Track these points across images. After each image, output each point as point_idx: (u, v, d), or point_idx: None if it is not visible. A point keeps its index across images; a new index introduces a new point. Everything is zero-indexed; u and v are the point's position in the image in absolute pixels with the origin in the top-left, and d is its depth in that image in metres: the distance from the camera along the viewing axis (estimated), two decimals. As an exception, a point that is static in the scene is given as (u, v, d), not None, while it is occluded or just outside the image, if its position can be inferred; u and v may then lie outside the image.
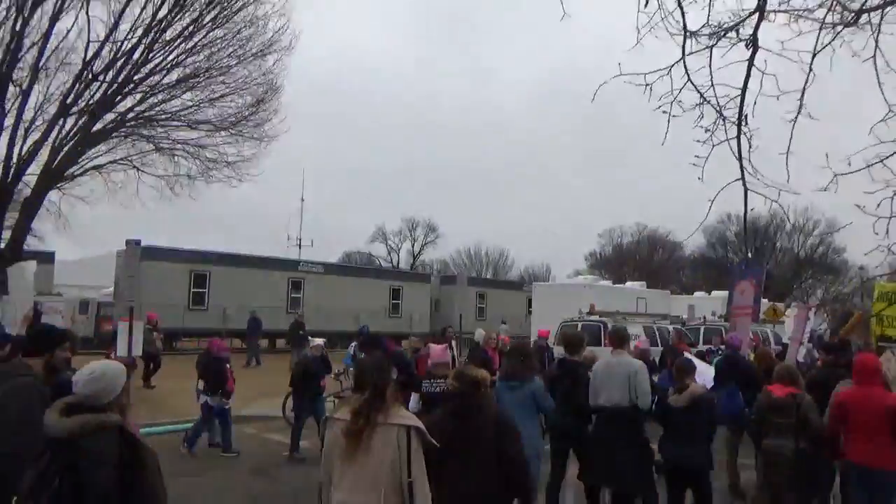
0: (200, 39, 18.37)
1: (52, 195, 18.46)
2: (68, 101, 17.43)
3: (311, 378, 9.40)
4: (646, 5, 3.07)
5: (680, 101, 3.17)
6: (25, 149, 17.20)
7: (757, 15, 3.02)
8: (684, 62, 3.12)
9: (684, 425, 5.58)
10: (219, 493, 7.49)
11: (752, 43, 2.96)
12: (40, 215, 18.53)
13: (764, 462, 5.60)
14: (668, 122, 3.21)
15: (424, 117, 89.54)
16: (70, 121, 17.74)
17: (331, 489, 3.12)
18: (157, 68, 18.37)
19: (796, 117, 2.96)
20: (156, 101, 19.00)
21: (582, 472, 6.33)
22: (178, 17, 17.72)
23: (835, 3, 2.84)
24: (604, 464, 5.76)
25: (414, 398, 6.79)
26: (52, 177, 17.44)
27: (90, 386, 2.85)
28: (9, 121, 16.87)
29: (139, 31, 17.46)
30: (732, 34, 3.10)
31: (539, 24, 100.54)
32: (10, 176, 16.94)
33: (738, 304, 12.50)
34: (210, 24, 18.17)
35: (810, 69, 2.90)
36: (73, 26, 17.20)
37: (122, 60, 17.73)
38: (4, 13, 16.23)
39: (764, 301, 19.27)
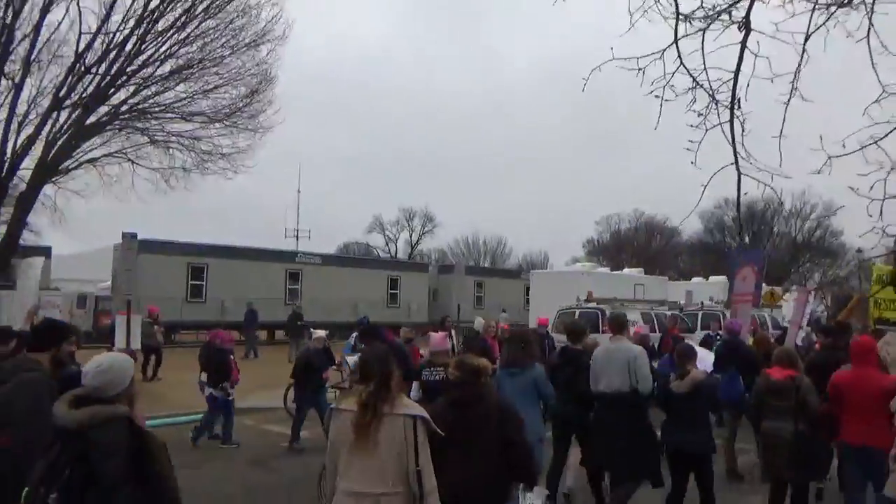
0: (193, 30, 18.28)
1: (47, 189, 18.44)
2: (61, 94, 17.35)
3: (314, 371, 9.35)
4: (638, -12, 3.04)
5: (672, 86, 3.15)
6: (19, 143, 17.15)
7: (750, -4, 2.99)
8: (677, 46, 3.09)
9: (686, 411, 5.60)
10: (217, 483, 7.51)
11: (745, 25, 2.94)
12: (36, 209, 18.53)
13: (763, 444, 5.63)
14: (661, 106, 3.20)
15: (421, 106, 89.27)
16: (63, 114, 17.68)
17: (337, 478, 3.14)
18: (150, 60, 18.28)
19: (789, 100, 2.94)
20: (149, 93, 18.95)
21: (584, 458, 6.36)
22: (170, 7, 17.62)
23: (828, -17, 2.82)
24: (606, 449, 5.80)
25: (414, 386, 6.81)
26: (47, 171, 17.40)
27: (99, 378, 2.88)
28: (2, 115, 16.84)
29: (131, 23, 17.37)
30: (725, 16, 3.07)
31: (537, 10, 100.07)
32: (5, 170, 16.90)
33: (739, 292, 12.52)
34: (202, 14, 18.06)
35: (804, 50, 2.88)
36: (64, 18, 17.14)
37: (115, 52, 17.64)
38: (-6, 6, 16.13)
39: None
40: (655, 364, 9.03)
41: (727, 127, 3.16)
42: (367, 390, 3.11)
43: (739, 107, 3.10)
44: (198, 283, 24.50)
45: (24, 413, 3.36)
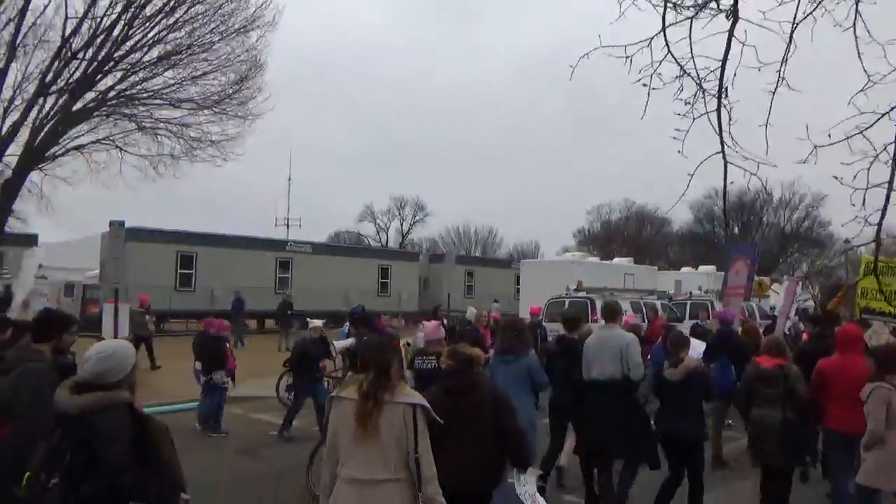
0: (181, 15, 18.03)
1: (34, 176, 18.23)
2: (47, 79, 17.11)
3: (310, 360, 9.26)
4: (626, -25, 3.02)
5: (660, 74, 3.13)
6: (5, 129, 16.92)
7: (738, -16, 2.98)
8: (665, 34, 3.08)
9: (680, 399, 5.68)
10: (205, 472, 7.49)
11: (733, 14, 2.93)
12: (22, 196, 18.30)
13: (752, 431, 5.71)
14: (649, 95, 3.19)
15: (412, 95, 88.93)
16: (50, 100, 17.45)
17: (338, 466, 3.18)
18: (138, 45, 18.04)
19: (776, 89, 2.93)
20: (137, 79, 18.72)
21: (578, 446, 6.43)
22: (158, -9, 17.36)
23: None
24: (600, 433, 5.86)
25: (408, 375, 6.83)
26: (33, 157, 17.19)
27: (101, 364, 2.92)
28: (-13, 100, 16.56)
29: (119, 7, 17.11)
30: (713, 5, 3.05)
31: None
32: (-10, 157, 16.69)
33: (732, 285, 12.64)
34: (191, -1, 17.82)
35: (790, 39, 2.88)
36: (50, 2, 16.87)
37: (102, 37, 17.39)
38: (-23, -11, 15.87)
39: (751, 276, 19.41)
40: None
41: (714, 116, 3.16)
42: (368, 379, 3.14)
43: (726, 95, 3.10)
44: (187, 271, 24.38)
45: (27, 403, 3.39)
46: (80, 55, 17.33)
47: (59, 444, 2.80)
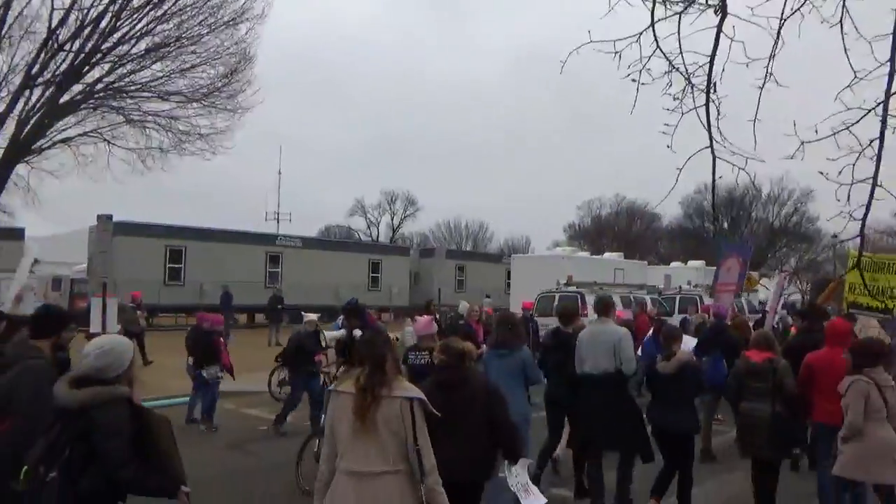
0: (170, 7, 17.93)
1: (20, 169, 18.10)
2: (33, 71, 16.95)
3: (305, 354, 9.16)
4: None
5: (649, 69, 3.14)
6: (-10, 121, 16.74)
7: (727, -20, 2.98)
8: (653, 29, 3.08)
9: (672, 392, 5.73)
10: (195, 467, 7.38)
11: (721, 9, 2.93)
12: (8, 190, 18.17)
13: (740, 424, 5.78)
14: (638, 90, 3.19)
15: (404, 90, 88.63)
16: (36, 92, 17.31)
17: (337, 459, 3.21)
18: (126, 37, 17.91)
19: (763, 84, 2.95)
20: (125, 71, 18.60)
21: (570, 439, 6.45)
22: (146, -17, 17.22)
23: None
24: (594, 428, 5.91)
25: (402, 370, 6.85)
26: (20, 150, 17.04)
27: (101, 359, 2.96)
28: (-29, 92, 16.37)
29: (106, -1, 16.95)
30: (702, 0, 3.06)
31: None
32: (-25, 149, 16.51)
33: (723, 281, 12.75)
34: (179, -10, 17.68)
35: (778, 35, 2.89)
36: (35, -7, 16.64)
37: (89, 29, 17.24)
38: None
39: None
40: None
41: (703, 111, 3.16)
42: (364, 373, 3.17)
43: (715, 91, 3.11)
44: (176, 266, 24.25)
45: (27, 400, 3.40)
46: (67, 47, 17.18)
47: (58, 438, 2.83)
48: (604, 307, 6.29)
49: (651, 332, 10.36)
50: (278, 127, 66.22)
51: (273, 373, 11.12)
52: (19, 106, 17.01)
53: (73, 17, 17.05)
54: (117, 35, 17.68)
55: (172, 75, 19.00)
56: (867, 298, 9.59)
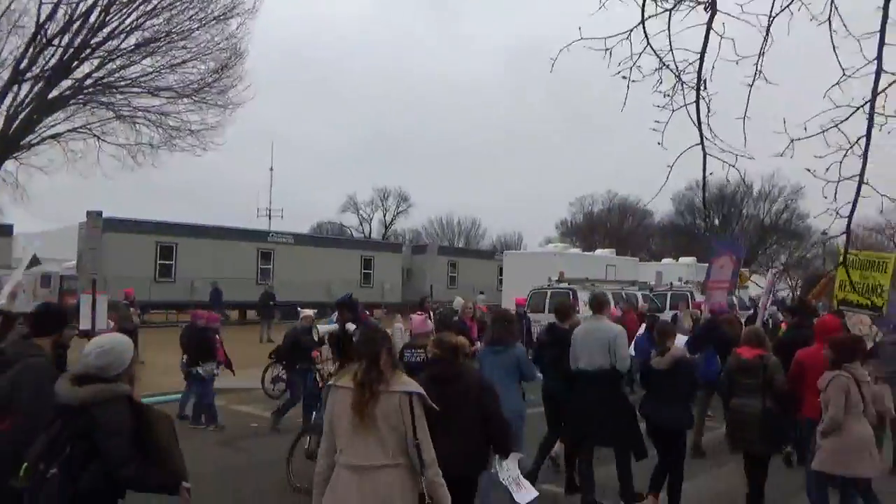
0: (159, 2, 17.79)
1: (9, 165, 17.95)
2: (21, 66, 16.80)
3: (301, 350, 9.06)
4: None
5: (640, 67, 3.14)
6: (-23, 117, 16.59)
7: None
8: (644, 26, 3.08)
9: (666, 387, 5.77)
10: (186, 463, 7.47)
11: (711, 6, 2.94)
12: (-4, 185, 17.99)
13: (731, 420, 5.82)
14: (628, 87, 3.19)
15: (396, 86, 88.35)
16: (24, 87, 17.19)
17: (336, 453, 3.24)
18: (115, 32, 17.77)
19: (753, 82, 2.96)
20: (114, 66, 18.46)
21: (562, 435, 6.50)
22: (136, -23, 17.08)
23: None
24: (588, 425, 5.93)
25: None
26: (8, 145, 16.90)
27: (102, 358, 3.00)
28: (-42, 87, 16.22)
29: (95, -7, 16.81)
30: (692, -4, 3.06)
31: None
32: (-37, 145, 16.35)
33: (716, 279, 12.80)
34: (169, -15, 17.56)
35: (768, 32, 2.90)
36: (23, -13, 16.48)
37: (78, 23, 17.10)
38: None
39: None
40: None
41: (693, 108, 3.17)
42: (361, 369, 3.20)
43: (705, 88, 3.12)
44: (167, 262, 24.13)
45: (28, 398, 3.41)
46: (56, 42, 17.04)
47: (59, 435, 2.85)
48: (598, 305, 6.33)
49: (644, 329, 10.40)
50: (270, 125, 66.04)
51: (267, 369, 11.09)
52: (7, 101, 16.86)
53: (61, 11, 16.92)
54: (106, 30, 17.54)
55: (162, 71, 18.89)
56: (856, 296, 9.66)
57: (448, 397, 3.78)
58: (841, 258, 10.04)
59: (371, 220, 62.29)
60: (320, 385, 8.09)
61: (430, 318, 8.86)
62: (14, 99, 16.94)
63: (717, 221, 53.23)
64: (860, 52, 2.72)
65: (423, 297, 15.92)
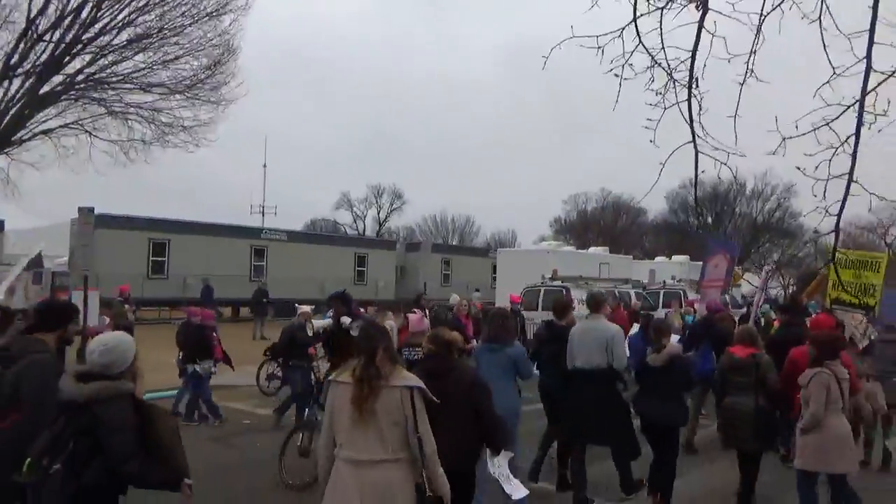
0: (152, -3, 17.65)
1: (0, 161, 17.79)
2: (12, 61, 16.68)
3: (298, 346, 8.93)
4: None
5: (632, 65, 3.15)
6: (-32, 112, 16.47)
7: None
8: (636, 24, 3.09)
9: (662, 384, 5.78)
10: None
11: (703, 4, 2.95)
12: (-13, 182, 17.87)
13: (724, 417, 5.85)
14: (620, 85, 3.20)
15: (390, 83, 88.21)
16: (16, 83, 17.06)
17: (336, 448, 3.26)
18: (107, 28, 17.65)
19: (744, 80, 2.97)
20: (106, 62, 18.34)
21: (558, 431, 6.51)
22: (128, -27, 16.97)
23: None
24: (584, 423, 5.95)
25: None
26: (-1, 141, 16.77)
27: (106, 356, 3.04)
28: (-52, 82, 16.09)
29: (86, -12, 16.69)
30: (684, -6, 3.06)
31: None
32: (-47, 141, 16.23)
33: (710, 278, 12.86)
34: (161, -19, 17.46)
35: (759, 31, 2.91)
36: (14, -19, 16.36)
37: (70, 19, 16.98)
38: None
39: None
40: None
41: (685, 106, 3.18)
42: (360, 364, 3.22)
43: (697, 86, 3.12)
44: (159, 259, 24.02)
45: (33, 393, 3.43)
46: (47, 37, 16.92)
47: (63, 431, 2.89)
48: (595, 304, 6.34)
49: (638, 327, 10.42)
50: (264, 123, 65.79)
51: (262, 366, 11.07)
52: (-2, 96, 16.73)
53: (52, 6, 16.80)
54: (98, 25, 17.43)
55: (155, 67, 18.78)
56: (848, 295, 9.72)
57: (441, 392, 3.80)
58: (830, 256, 10.11)
59: (365, 217, 62.30)
60: (320, 380, 8.06)
61: (426, 315, 8.86)
62: (5, 94, 16.83)
63: (709, 219, 53.41)
64: (850, 51, 2.73)
65: (419, 295, 15.91)
